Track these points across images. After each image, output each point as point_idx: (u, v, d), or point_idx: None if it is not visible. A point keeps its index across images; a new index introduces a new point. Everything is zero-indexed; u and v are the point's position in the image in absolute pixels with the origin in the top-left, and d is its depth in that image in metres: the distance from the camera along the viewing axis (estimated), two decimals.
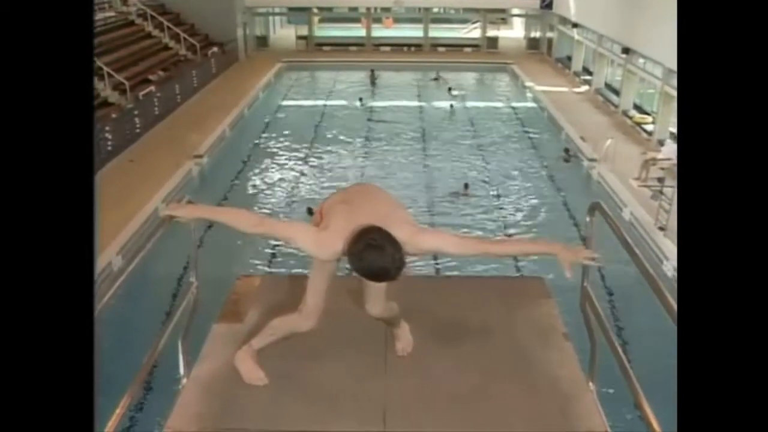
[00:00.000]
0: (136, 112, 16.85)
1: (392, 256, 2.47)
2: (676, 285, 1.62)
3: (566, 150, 16.55)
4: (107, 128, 14.70)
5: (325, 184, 14.78)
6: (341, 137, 18.43)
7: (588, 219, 3.08)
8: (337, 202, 2.84)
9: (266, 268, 10.70)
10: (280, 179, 15.28)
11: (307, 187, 14.78)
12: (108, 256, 9.61)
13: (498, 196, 14.08)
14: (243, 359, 3.11)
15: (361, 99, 22.33)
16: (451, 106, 21.44)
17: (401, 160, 16.54)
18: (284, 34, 34.50)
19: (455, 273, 9.82)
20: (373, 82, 24.99)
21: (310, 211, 12.46)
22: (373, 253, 2.46)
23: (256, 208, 13.47)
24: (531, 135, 18.67)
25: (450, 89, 23.45)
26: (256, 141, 18.03)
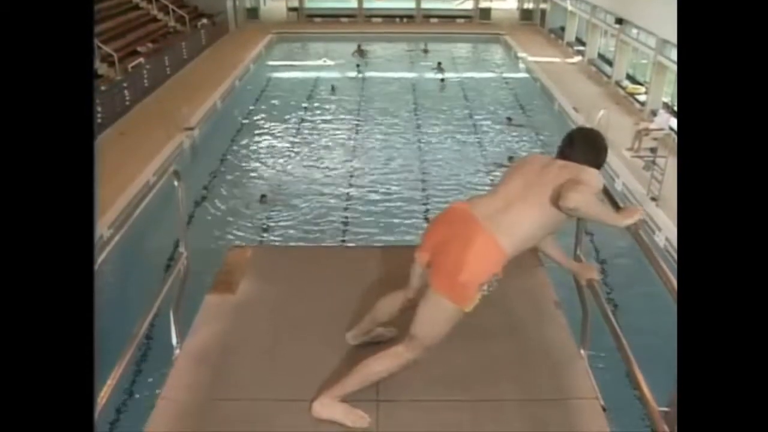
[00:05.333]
0: (125, 85, 16.63)
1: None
2: (668, 254, 1.62)
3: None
4: (96, 101, 14.51)
5: (317, 155, 14.76)
6: (333, 108, 18.33)
7: None
8: (518, 187, 2.69)
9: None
10: (272, 151, 15.20)
11: (299, 158, 14.70)
12: (100, 229, 9.55)
13: (488, 171, 14.03)
14: (330, 406, 2.72)
15: (358, 66, 22.37)
16: (442, 80, 21.21)
17: (394, 130, 16.49)
18: (275, 5, 33.92)
19: None
20: (361, 56, 24.17)
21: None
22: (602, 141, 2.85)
23: (247, 180, 13.43)
24: (524, 106, 18.57)
25: (439, 64, 22.77)
26: (248, 113, 17.88)
